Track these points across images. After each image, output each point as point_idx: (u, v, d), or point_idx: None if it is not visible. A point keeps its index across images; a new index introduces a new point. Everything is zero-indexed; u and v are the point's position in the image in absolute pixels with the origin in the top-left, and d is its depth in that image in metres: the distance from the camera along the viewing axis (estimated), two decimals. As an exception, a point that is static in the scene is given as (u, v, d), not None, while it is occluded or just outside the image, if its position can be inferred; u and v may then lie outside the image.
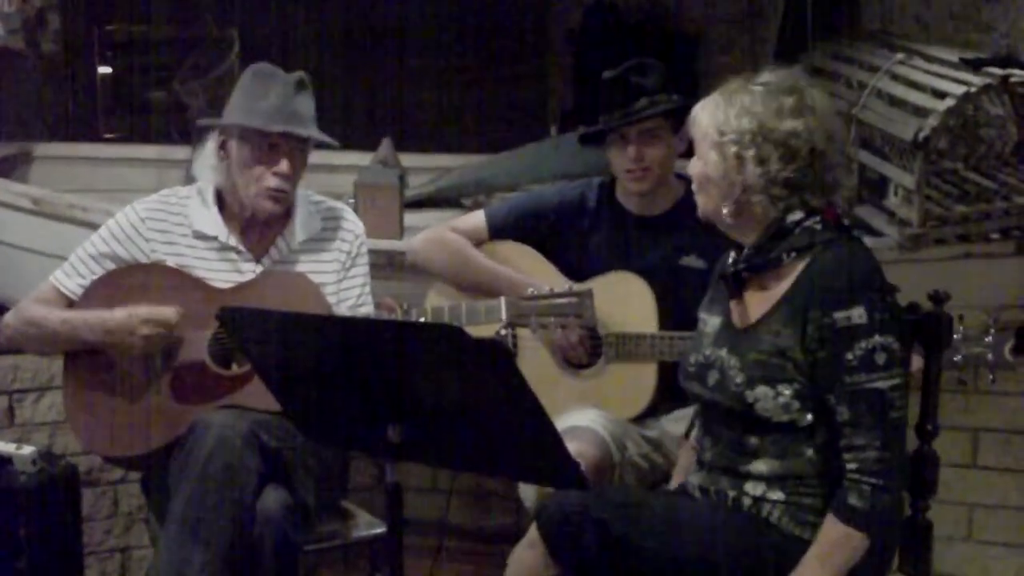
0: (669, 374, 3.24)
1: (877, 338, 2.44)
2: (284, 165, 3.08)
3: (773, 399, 2.51)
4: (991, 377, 2.71)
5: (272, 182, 3.09)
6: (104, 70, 6.32)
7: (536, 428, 2.21)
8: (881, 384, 2.44)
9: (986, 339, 2.68)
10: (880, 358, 2.44)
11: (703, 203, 2.66)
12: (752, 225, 2.61)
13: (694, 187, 2.67)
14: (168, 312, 3.01)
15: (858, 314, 2.45)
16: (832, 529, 2.46)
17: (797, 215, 2.57)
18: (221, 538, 2.77)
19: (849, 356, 2.45)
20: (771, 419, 2.52)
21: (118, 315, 3.03)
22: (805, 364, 2.49)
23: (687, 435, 2.93)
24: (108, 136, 6.20)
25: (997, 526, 3.98)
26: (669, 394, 3.26)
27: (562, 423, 3.07)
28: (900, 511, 2.60)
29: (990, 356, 2.67)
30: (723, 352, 2.61)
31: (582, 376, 3.35)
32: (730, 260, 2.69)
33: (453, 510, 4.03)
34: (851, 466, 2.46)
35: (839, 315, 2.45)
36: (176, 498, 2.81)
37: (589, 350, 3.32)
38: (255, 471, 2.83)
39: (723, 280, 2.68)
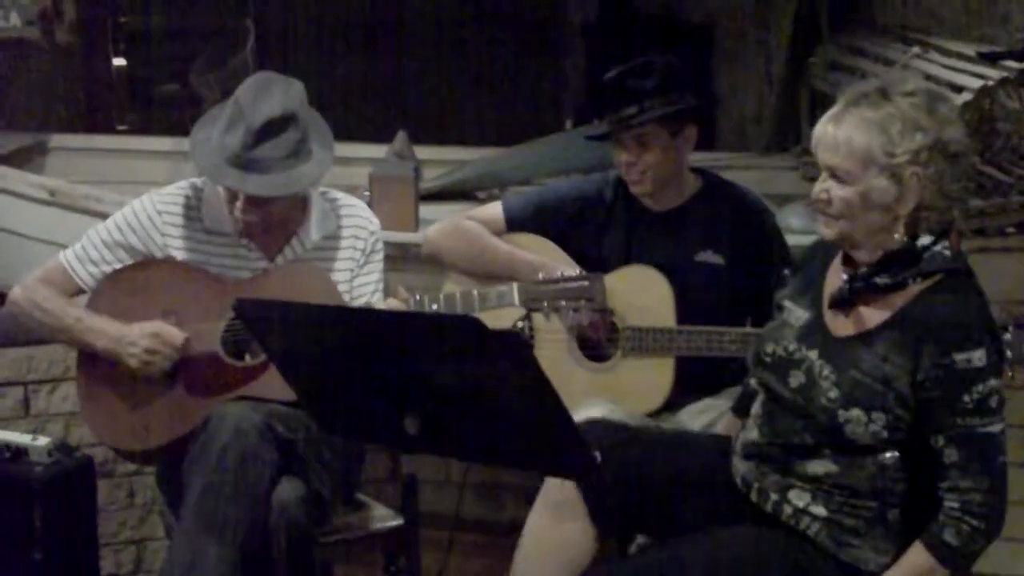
0: (686, 369, 3.24)
1: (992, 381, 2.38)
2: (239, 208, 3.00)
3: (864, 425, 2.42)
4: (1010, 374, 2.68)
5: (239, 214, 3.03)
6: (119, 62, 6.33)
7: (554, 420, 2.21)
8: (993, 428, 2.39)
9: (1005, 336, 2.66)
10: (993, 401, 2.39)
11: (846, 228, 2.45)
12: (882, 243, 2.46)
13: (832, 212, 2.45)
14: (176, 337, 3.00)
15: (979, 356, 2.37)
16: (919, 556, 2.42)
17: (926, 239, 2.45)
18: (236, 530, 2.77)
19: (965, 399, 2.37)
20: (855, 443, 2.44)
21: (130, 332, 3.01)
22: (910, 398, 2.41)
23: (736, 411, 2.91)
24: (122, 128, 6.21)
25: (1020, 522, 3.94)
26: (686, 389, 3.25)
27: (577, 416, 3.06)
28: None
29: (1009, 353, 2.65)
30: (813, 355, 2.51)
31: (598, 370, 3.35)
32: (844, 276, 2.52)
33: (466, 503, 4.02)
34: (953, 504, 2.40)
35: (959, 356, 2.36)
36: (191, 490, 2.81)
37: (607, 330, 3.31)
38: (270, 463, 2.83)
39: (838, 295, 2.51)
